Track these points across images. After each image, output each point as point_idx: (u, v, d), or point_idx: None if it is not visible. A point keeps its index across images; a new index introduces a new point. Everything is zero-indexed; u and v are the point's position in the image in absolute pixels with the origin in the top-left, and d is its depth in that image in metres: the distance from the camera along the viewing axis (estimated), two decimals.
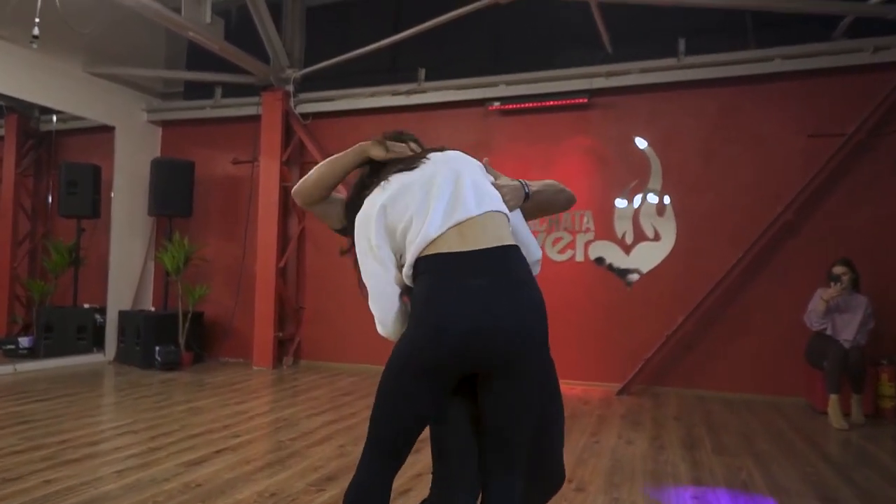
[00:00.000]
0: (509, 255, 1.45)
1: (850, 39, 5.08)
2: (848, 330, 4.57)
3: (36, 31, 4.16)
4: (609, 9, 5.27)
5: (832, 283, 4.59)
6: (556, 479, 1.66)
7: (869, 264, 4.83)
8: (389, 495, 1.47)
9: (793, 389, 5.06)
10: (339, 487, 2.87)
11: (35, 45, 4.21)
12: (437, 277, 1.40)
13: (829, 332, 4.62)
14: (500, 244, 1.44)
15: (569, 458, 3.45)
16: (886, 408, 4.62)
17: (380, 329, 1.57)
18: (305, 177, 1.69)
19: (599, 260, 5.66)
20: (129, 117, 7.08)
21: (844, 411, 4.37)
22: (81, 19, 4.72)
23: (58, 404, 4.49)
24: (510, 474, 1.48)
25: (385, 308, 1.52)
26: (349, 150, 1.66)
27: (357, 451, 3.25)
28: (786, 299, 5.11)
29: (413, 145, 1.66)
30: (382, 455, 1.47)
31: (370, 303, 1.55)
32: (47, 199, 7.57)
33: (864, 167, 5.05)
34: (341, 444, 3.58)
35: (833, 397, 4.32)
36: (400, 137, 1.68)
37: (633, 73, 5.58)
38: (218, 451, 3.42)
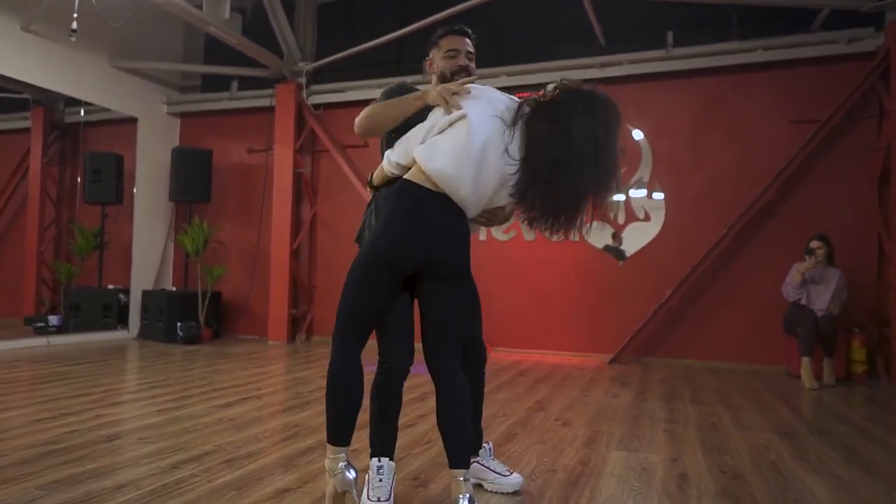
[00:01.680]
0: (455, 206, 1.90)
1: (826, 31, 5.43)
2: (821, 300, 4.93)
3: (74, 24, 4.57)
4: (601, 4, 5.64)
5: (807, 257, 4.96)
6: (482, 354, 2.32)
7: (843, 240, 5.19)
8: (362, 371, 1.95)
9: (774, 358, 5.42)
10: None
11: (73, 38, 4.62)
12: (417, 202, 1.87)
13: (804, 301, 4.98)
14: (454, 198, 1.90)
15: (558, 405, 3.85)
16: (857, 372, 4.98)
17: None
18: (365, 116, 2.07)
19: (608, 248, 6.02)
20: (151, 109, 7.49)
21: (817, 375, 4.73)
22: (111, 15, 5.12)
23: (96, 367, 4.91)
24: (452, 355, 1.97)
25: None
26: (410, 98, 2.01)
27: (368, 402, 3.68)
28: (767, 274, 5.46)
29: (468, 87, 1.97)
30: (352, 336, 1.93)
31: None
32: (72, 186, 8.01)
33: (838, 150, 5.41)
34: None
35: (805, 360, 4.68)
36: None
37: (625, 65, 5.95)
38: (244, 399, 3.81)
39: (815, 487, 2.36)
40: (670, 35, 5.83)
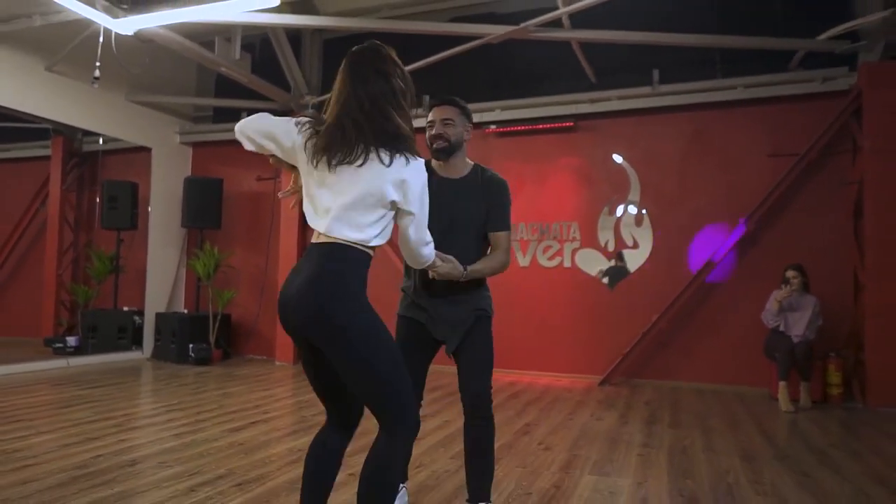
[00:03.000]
0: (330, 249, 1.76)
1: (803, 70, 5.74)
2: (798, 326, 5.19)
3: (97, 73, 4.94)
4: (590, 46, 5.97)
5: (784, 286, 5.23)
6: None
7: (821, 269, 5.46)
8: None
9: (757, 380, 5.68)
10: (353, 446, 3.53)
11: (96, 85, 4.99)
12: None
13: (782, 328, 5.25)
14: (328, 241, 1.77)
15: (544, 428, 4.14)
16: (833, 394, 5.23)
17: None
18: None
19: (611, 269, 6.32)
20: (164, 139, 7.87)
21: (794, 398, 5.00)
22: (130, 61, 5.49)
23: (112, 389, 5.23)
24: (380, 425, 1.83)
25: None
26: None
27: (367, 425, 3.98)
28: (749, 300, 5.73)
29: None
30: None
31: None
32: (89, 212, 8.39)
33: (815, 183, 5.69)
34: None
35: (782, 384, 4.95)
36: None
37: (614, 100, 6.27)
38: (253, 423, 4.12)
39: None
40: (656, 73, 6.15)
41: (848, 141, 5.59)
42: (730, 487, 2.94)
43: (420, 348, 2.41)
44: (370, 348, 1.75)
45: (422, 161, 1.83)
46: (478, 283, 2.41)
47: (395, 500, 1.96)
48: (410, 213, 1.83)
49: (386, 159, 1.76)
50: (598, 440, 3.83)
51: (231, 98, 7.57)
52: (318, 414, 4.41)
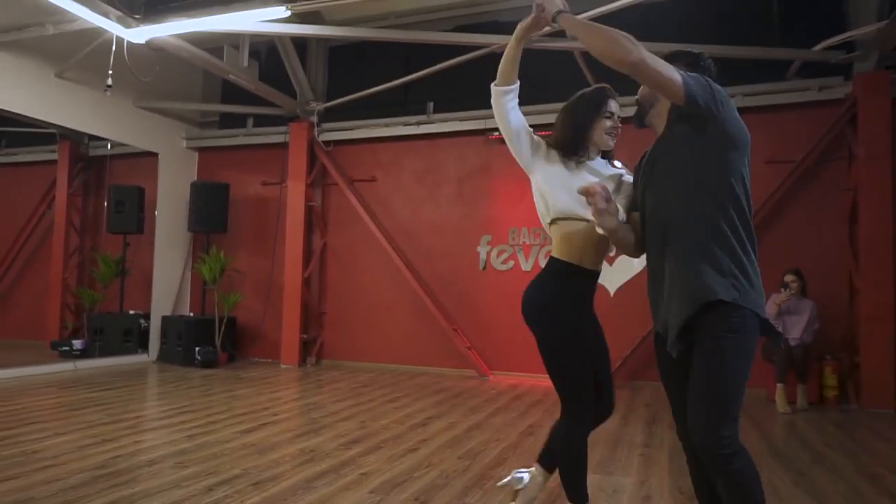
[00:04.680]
0: None
1: (800, 80, 5.86)
2: (796, 329, 5.31)
3: (109, 80, 5.05)
4: (592, 57, 6.08)
5: (783, 290, 5.35)
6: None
7: (817, 274, 5.57)
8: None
9: (753, 382, 5.75)
10: (363, 447, 3.67)
11: (108, 94, 5.11)
12: None
13: (779, 331, 5.36)
14: None
15: (547, 429, 4.24)
16: (829, 396, 5.35)
17: None
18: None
19: None
20: (171, 144, 7.98)
21: (791, 399, 5.11)
22: (140, 65, 5.59)
23: (122, 392, 5.33)
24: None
25: None
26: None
27: (375, 426, 4.10)
28: None
29: None
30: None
31: None
32: (95, 216, 8.50)
33: (811, 190, 5.81)
34: (362, 420, 4.38)
35: (779, 386, 5.06)
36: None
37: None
38: (263, 424, 4.22)
39: None
40: None
41: (843, 148, 5.72)
42: None
43: None
44: None
45: None
46: None
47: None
48: None
49: None
50: (601, 441, 3.94)
51: (237, 104, 7.69)
52: (326, 416, 4.52)
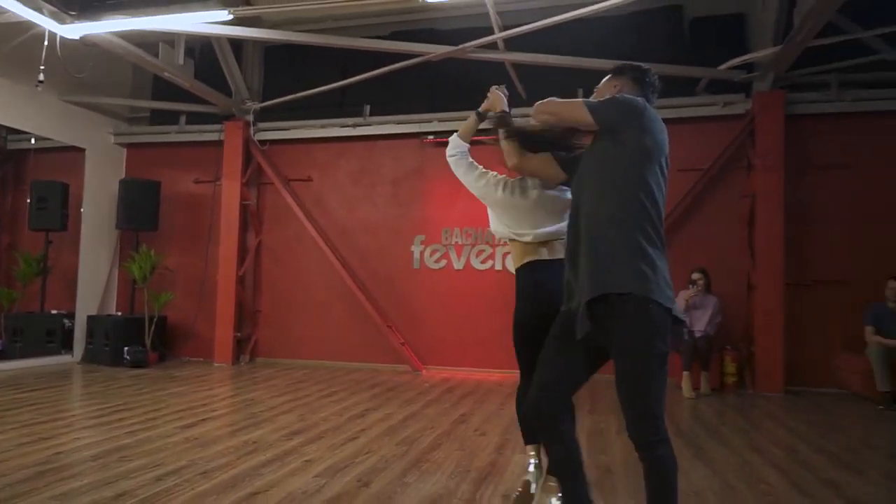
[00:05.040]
0: None
1: (707, 95, 6.44)
2: (701, 322, 5.86)
3: (41, 76, 4.97)
4: (523, 65, 6.46)
5: (690, 287, 5.88)
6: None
7: (721, 272, 6.15)
8: None
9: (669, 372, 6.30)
10: (304, 437, 3.85)
11: (40, 88, 5.01)
12: None
13: (687, 324, 5.89)
14: None
15: (478, 417, 4.54)
16: (729, 382, 5.94)
17: None
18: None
19: None
20: (99, 140, 7.78)
21: (696, 386, 5.65)
22: (71, 60, 5.48)
23: (52, 392, 5.25)
24: None
25: None
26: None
27: (314, 419, 4.27)
28: None
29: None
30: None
31: None
32: (13, 212, 8.15)
33: (716, 196, 6.40)
34: (301, 413, 4.54)
35: (685, 374, 5.59)
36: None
37: None
38: (203, 420, 4.31)
39: None
40: (581, 92, 6.68)
41: (743, 159, 6.33)
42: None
43: None
44: None
45: None
46: None
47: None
48: None
49: None
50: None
51: (169, 100, 7.58)
52: (265, 410, 4.64)
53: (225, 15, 4.67)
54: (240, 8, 4.66)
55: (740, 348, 6.10)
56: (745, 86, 6.31)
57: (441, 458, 3.45)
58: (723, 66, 6.14)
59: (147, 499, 2.69)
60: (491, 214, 2.86)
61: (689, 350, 5.65)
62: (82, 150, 7.58)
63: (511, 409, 4.80)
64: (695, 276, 5.92)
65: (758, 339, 5.91)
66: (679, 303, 5.88)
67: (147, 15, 4.73)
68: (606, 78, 2.42)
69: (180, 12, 4.73)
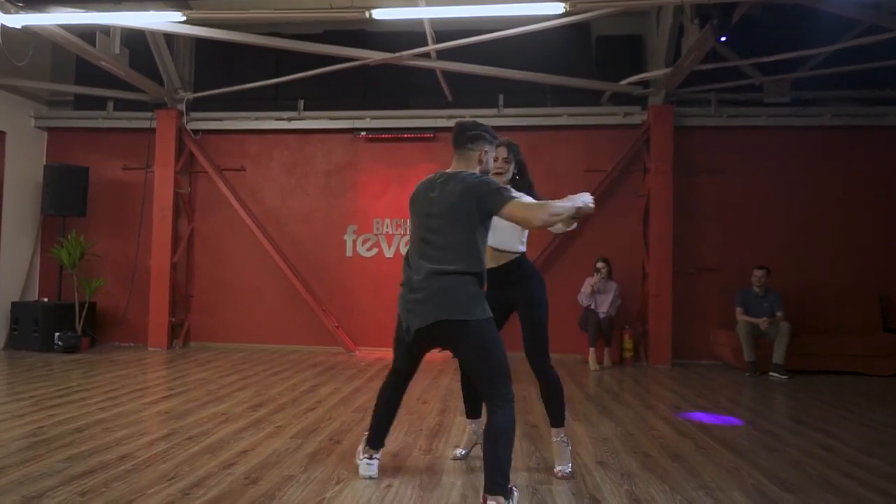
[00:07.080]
0: None
1: (611, 106, 7.33)
2: (604, 305, 6.76)
3: None
4: (451, 72, 7.05)
5: (595, 274, 6.77)
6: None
7: (621, 262, 7.10)
8: None
9: (573, 348, 7.19)
10: (268, 409, 4.30)
11: None
12: None
13: (592, 307, 6.78)
14: None
15: (417, 390, 5.14)
16: (627, 356, 6.92)
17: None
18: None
19: None
20: (19, 123, 7.60)
21: (600, 360, 6.55)
22: (14, 53, 5.48)
23: None
24: None
25: None
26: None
27: (270, 394, 4.71)
28: (571, 285, 7.21)
29: None
30: None
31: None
32: None
33: (618, 195, 7.34)
34: (256, 390, 4.96)
35: (591, 350, 6.48)
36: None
37: (467, 118, 7.40)
38: (165, 397, 4.65)
39: (577, 429, 3.90)
40: (501, 98, 7.41)
41: (640, 163, 7.29)
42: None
43: None
44: None
45: None
46: None
47: None
48: None
49: None
50: (460, 395, 4.92)
51: (94, 86, 7.51)
52: (220, 388, 5.01)
53: (178, 16, 4.91)
54: (193, 11, 4.91)
55: (636, 327, 7.09)
56: (643, 99, 7.26)
57: (395, 422, 4.02)
58: (623, 82, 7.04)
59: (147, 459, 3.09)
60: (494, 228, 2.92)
61: (595, 329, 6.54)
62: (2, 134, 7.39)
63: (445, 382, 5.48)
64: (599, 264, 6.80)
65: (650, 319, 6.91)
66: (585, 287, 6.77)
67: (96, 10, 4.87)
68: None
69: (133, 10, 4.91)
